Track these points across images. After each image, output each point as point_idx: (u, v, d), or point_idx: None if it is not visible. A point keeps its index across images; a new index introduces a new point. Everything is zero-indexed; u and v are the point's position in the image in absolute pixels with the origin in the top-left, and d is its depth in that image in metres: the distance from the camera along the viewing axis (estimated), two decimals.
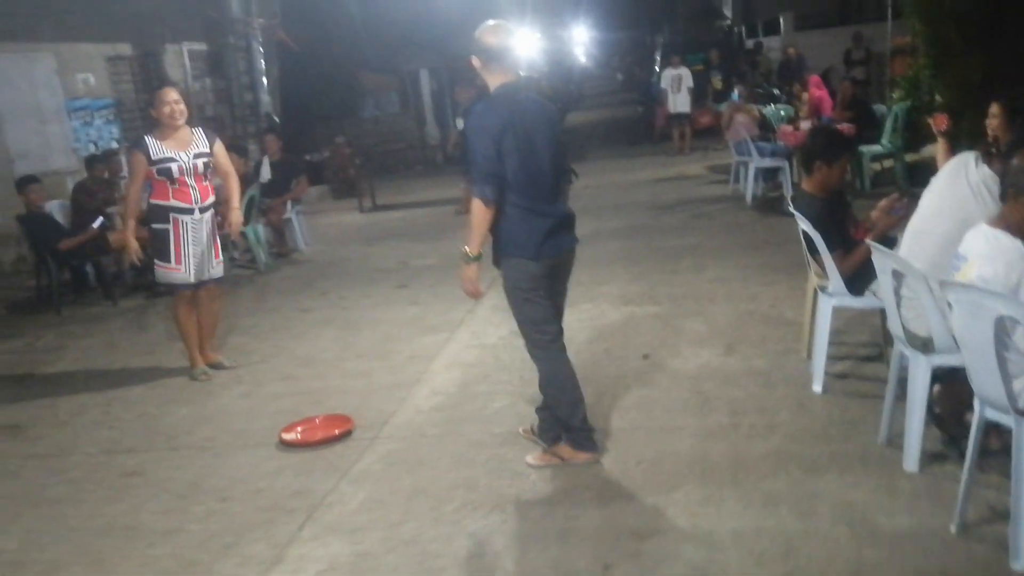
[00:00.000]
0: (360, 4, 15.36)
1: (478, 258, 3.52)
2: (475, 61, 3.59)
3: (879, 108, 10.77)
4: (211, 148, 5.24)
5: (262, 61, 12.63)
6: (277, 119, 12.61)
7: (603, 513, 3.33)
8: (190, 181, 5.10)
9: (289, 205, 9.35)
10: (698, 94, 14.75)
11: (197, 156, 5.13)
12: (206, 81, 12.98)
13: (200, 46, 12.72)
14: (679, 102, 14.16)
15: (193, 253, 5.13)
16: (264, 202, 9.03)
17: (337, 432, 4.26)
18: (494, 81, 3.57)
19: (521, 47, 3.51)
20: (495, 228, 3.54)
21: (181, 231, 5.09)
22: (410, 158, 16.71)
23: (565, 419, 3.73)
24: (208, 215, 5.21)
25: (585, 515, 3.32)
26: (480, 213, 3.46)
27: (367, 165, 13.49)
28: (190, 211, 5.11)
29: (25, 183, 7.69)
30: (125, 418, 4.84)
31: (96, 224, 7.76)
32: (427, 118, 17.22)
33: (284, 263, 8.89)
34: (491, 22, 3.60)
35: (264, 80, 12.68)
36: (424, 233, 9.81)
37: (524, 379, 4.69)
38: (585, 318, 5.80)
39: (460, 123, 10.62)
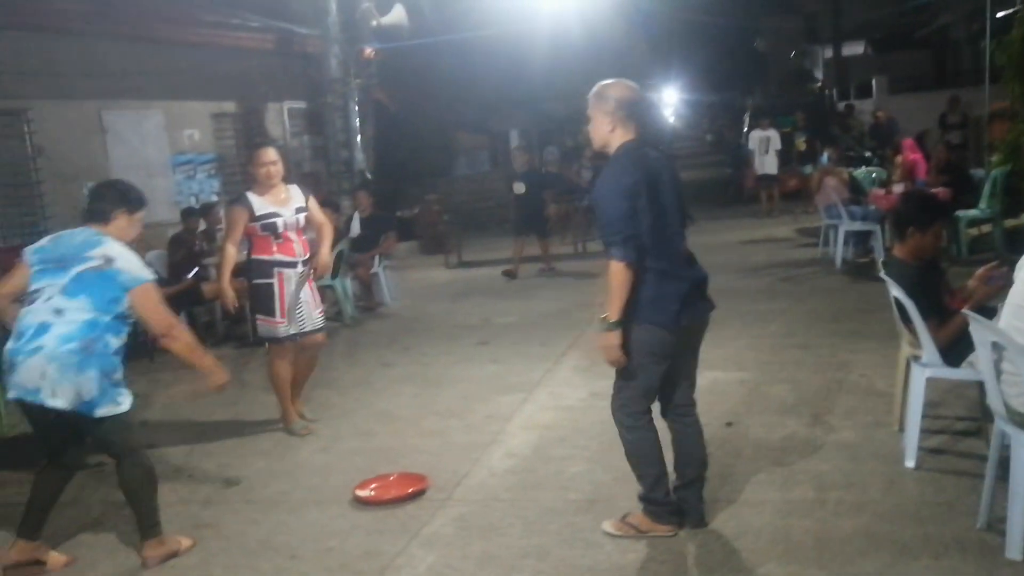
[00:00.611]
0: (455, 67, 15.79)
1: (619, 325, 3.35)
2: (598, 117, 3.47)
3: (976, 173, 10.41)
4: (306, 203, 5.34)
5: (357, 120, 13.07)
6: (370, 176, 12.96)
7: None
8: (292, 236, 5.21)
9: (377, 260, 9.55)
10: (787, 157, 14.58)
11: (298, 211, 5.25)
12: (304, 138, 13.50)
13: (300, 104, 13.26)
14: (767, 164, 14.06)
15: (295, 305, 5.20)
16: (353, 256, 9.25)
17: (411, 491, 4.23)
18: (617, 139, 3.45)
19: (648, 104, 3.38)
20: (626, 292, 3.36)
21: (285, 285, 5.17)
22: (498, 216, 16.91)
23: (647, 492, 3.60)
24: (307, 268, 5.31)
25: None
26: (621, 276, 3.29)
27: (456, 222, 13.72)
28: (294, 264, 5.21)
29: None
30: (203, 468, 4.93)
31: (191, 275, 8.08)
32: (517, 176, 17.42)
33: (370, 317, 9.04)
34: (616, 80, 3.50)
35: (359, 138, 13.10)
36: (507, 290, 9.86)
37: (603, 444, 4.60)
38: None
39: (519, 187, 10.99)
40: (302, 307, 5.25)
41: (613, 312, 3.33)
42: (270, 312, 5.16)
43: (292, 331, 5.23)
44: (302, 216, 5.26)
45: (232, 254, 5.32)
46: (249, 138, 12.12)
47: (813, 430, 4.61)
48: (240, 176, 11.92)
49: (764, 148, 14.03)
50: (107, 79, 9.27)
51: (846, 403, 4.97)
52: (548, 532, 3.73)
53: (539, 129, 17.96)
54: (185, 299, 8.03)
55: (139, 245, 7.85)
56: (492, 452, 4.75)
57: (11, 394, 3.58)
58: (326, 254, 5.47)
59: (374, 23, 12.91)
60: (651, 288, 3.37)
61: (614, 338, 3.36)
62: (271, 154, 5.28)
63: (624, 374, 3.50)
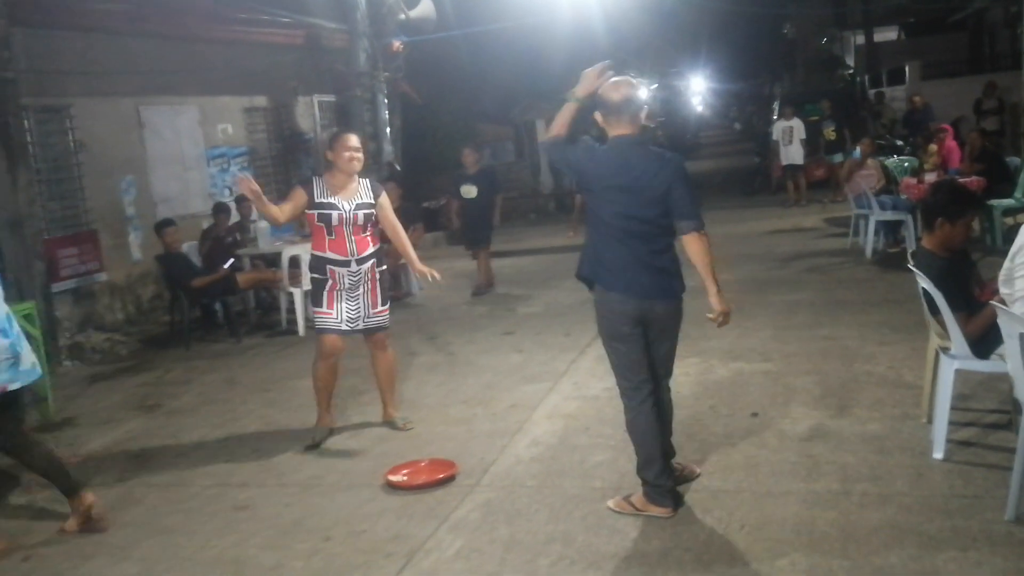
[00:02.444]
0: (478, 58, 15.84)
1: None
2: (597, 115, 3.72)
3: (1012, 160, 10.23)
4: (375, 199, 5.03)
5: (386, 112, 13.17)
6: (399, 167, 13.07)
7: None
8: (347, 232, 4.88)
9: None
10: (815, 146, 14.44)
11: (359, 207, 4.92)
12: (333, 130, 13.61)
13: (329, 98, 13.39)
14: (791, 154, 13.94)
15: (347, 300, 4.93)
16: (382, 247, 9.32)
17: (441, 476, 4.31)
18: (612, 133, 3.70)
19: (644, 99, 3.79)
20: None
21: (338, 282, 4.91)
22: (523, 206, 16.96)
23: (639, 470, 3.76)
24: (367, 266, 4.97)
25: None
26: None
27: None
28: (346, 263, 4.90)
29: (163, 226, 8.23)
30: (240, 452, 5.05)
31: (226, 265, 8.23)
32: (541, 167, 17.48)
33: (397, 307, 9.09)
34: (615, 77, 3.69)
35: (387, 130, 13.21)
36: (532, 280, 9.91)
37: (626, 434, 4.63)
38: (692, 372, 5.70)
39: (469, 191, 9.58)
40: (358, 302, 4.97)
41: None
42: (319, 303, 4.94)
43: (343, 326, 4.96)
44: (363, 213, 4.92)
45: (276, 212, 4.89)
46: (280, 131, 12.27)
47: (839, 422, 4.61)
48: (272, 168, 12.09)
49: (788, 138, 13.92)
50: (144, 76, 9.43)
51: (873, 395, 4.97)
52: (573, 519, 3.79)
53: None
54: (219, 289, 8.18)
55: (173, 237, 8.08)
56: (518, 440, 4.81)
57: None
58: (415, 260, 5.24)
59: (402, 16, 12.99)
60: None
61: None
62: (355, 140, 4.95)
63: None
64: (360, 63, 12.71)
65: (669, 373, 3.93)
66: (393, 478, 4.36)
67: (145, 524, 4.17)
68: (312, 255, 5.02)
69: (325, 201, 4.88)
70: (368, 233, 5.01)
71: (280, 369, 6.85)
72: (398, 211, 9.73)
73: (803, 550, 3.34)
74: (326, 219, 4.87)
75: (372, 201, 5.00)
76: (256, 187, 4.71)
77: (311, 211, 4.90)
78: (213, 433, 5.42)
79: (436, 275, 5.21)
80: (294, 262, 8.16)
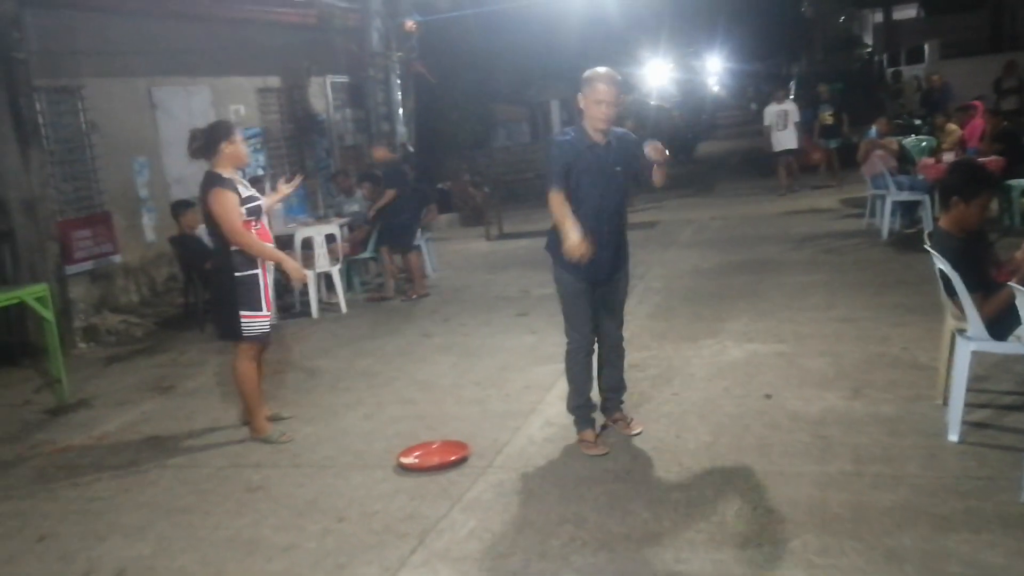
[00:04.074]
0: (492, 38, 15.74)
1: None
2: (580, 99, 4.15)
3: None
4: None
5: (399, 93, 13.13)
6: (412, 149, 13.05)
7: (715, 558, 3.23)
8: (265, 222, 4.85)
9: (419, 232, 9.62)
10: (813, 129, 13.79)
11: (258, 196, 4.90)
12: (346, 111, 13.60)
13: (342, 78, 13.35)
14: (784, 139, 13.33)
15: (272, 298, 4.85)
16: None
17: (453, 458, 4.33)
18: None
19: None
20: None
21: (268, 275, 4.81)
22: (539, 187, 16.86)
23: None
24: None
25: (695, 558, 3.24)
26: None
27: (495, 194, 13.76)
28: None
29: (180, 208, 8.19)
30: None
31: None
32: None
33: (412, 288, 9.13)
34: (599, 69, 4.13)
35: (400, 111, 13.18)
36: (546, 262, 9.78)
37: (638, 416, 4.65)
38: (706, 354, 5.69)
39: (381, 194, 8.64)
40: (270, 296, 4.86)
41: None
42: (257, 306, 4.68)
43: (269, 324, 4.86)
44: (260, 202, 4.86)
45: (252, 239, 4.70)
46: (293, 112, 12.26)
47: (852, 403, 4.59)
48: (286, 149, 12.09)
49: (782, 123, 13.33)
50: (156, 56, 9.43)
51: (887, 376, 4.94)
52: (585, 500, 3.79)
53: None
54: None
55: (190, 220, 8.09)
56: (531, 421, 4.82)
57: None
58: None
59: None
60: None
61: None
62: (239, 132, 4.84)
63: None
64: (373, 43, 12.65)
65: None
66: (405, 460, 4.37)
67: (160, 505, 4.21)
68: (239, 250, 4.65)
69: (249, 194, 4.76)
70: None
71: (295, 350, 6.88)
72: (412, 192, 9.86)
73: (815, 531, 3.33)
74: (256, 211, 4.74)
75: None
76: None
77: (240, 207, 4.65)
78: (227, 414, 5.45)
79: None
80: (306, 244, 8.17)
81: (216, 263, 4.84)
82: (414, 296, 8.56)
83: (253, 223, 4.70)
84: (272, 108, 11.91)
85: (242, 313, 4.67)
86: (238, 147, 4.72)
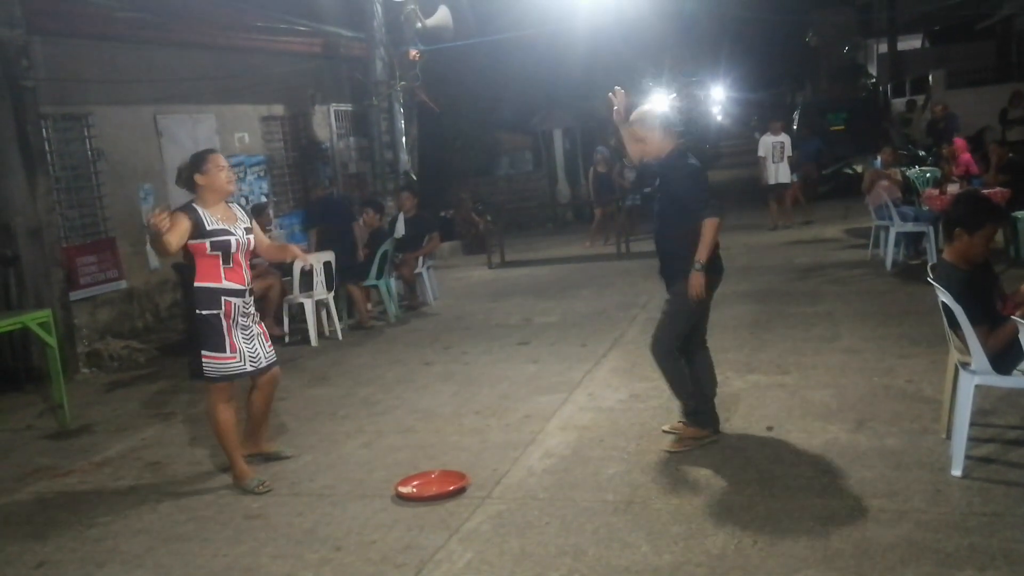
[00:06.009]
0: (495, 67, 15.86)
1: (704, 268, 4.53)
2: (648, 132, 4.66)
3: None
4: (251, 224, 4.74)
5: (403, 121, 13.22)
6: (415, 177, 13.10)
7: None
8: (242, 260, 4.58)
9: (421, 260, 9.65)
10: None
11: (247, 232, 4.63)
12: (350, 139, 13.68)
13: (346, 107, 13.44)
14: (780, 172, 12.90)
15: (244, 339, 4.57)
16: (397, 256, 9.36)
17: (451, 488, 4.29)
18: (667, 145, 4.69)
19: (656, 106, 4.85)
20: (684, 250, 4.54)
21: (233, 314, 4.52)
22: (541, 216, 16.96)
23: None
24: (251, 297, 4.68)
25: None
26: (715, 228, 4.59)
27: (498, 222, 13.79)
28: (242, 293, 4.55)
29: None
30: (253, 461, 5.03)
31: None
32: (559, 176, 17.47)
33: (413, 316, 9.14)
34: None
35: (404, 139, 13.25)
36: (548, 290, 9.89)
37: (641, 446, 4.62)
38: None
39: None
40: (253, 341, 4.63)
41: (703, 257, 4.45)
42: (219, 348, 4.47)
43: (247, 368, 4.59)
44: (251, 238, 4.64)
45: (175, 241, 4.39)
46: (297, 140, 12.33)
47: (856, 436, 4.55)
48: (289, 176, 12.15)
49: (779, 155, 12.85)
50: (162, 84, 9.51)
51: (891, 409, 4.90)
52: (584, 532, 3.75)
53: (582, 128, 17.93)
54: None
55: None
56: (531, 452, 4.78)
57: None
58: (295, 249, 5.27)
59: (419, 25, 13.03)
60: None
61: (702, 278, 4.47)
62: (223, 158, 4.69)
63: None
64: (377, 72, 12.76)
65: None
66: (403, 490, 4.34)
67: (158, 532, 4.18)
68: (201, 288, 4.47)
69: (217, 227, 4.49)
70: (249, 261, 4.73)
71: (297, 377, 6.86)
72: (414, 220, 9.90)
73: (817, 566, 3.29)
74: (223, 246, 4.48)
75: (250, 225, 4.71)
76: (160, 220, 4.26)
77: (201, 240, 4.44)
78: None
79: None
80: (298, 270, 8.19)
81: (185, 298, 4.69)
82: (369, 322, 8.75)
83: (220, 258, 4.48)
84: (276, 136, 11.98)
85: (203, 353, 4.48)
86: (212, 177, 4.52)
